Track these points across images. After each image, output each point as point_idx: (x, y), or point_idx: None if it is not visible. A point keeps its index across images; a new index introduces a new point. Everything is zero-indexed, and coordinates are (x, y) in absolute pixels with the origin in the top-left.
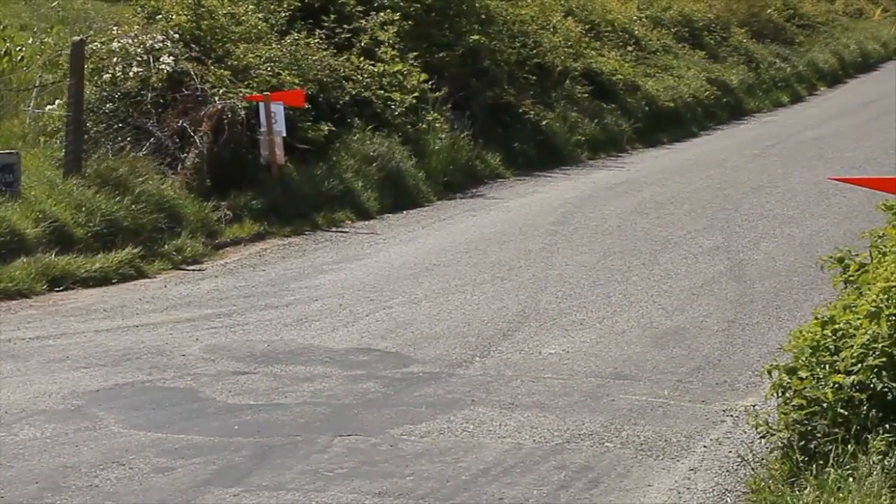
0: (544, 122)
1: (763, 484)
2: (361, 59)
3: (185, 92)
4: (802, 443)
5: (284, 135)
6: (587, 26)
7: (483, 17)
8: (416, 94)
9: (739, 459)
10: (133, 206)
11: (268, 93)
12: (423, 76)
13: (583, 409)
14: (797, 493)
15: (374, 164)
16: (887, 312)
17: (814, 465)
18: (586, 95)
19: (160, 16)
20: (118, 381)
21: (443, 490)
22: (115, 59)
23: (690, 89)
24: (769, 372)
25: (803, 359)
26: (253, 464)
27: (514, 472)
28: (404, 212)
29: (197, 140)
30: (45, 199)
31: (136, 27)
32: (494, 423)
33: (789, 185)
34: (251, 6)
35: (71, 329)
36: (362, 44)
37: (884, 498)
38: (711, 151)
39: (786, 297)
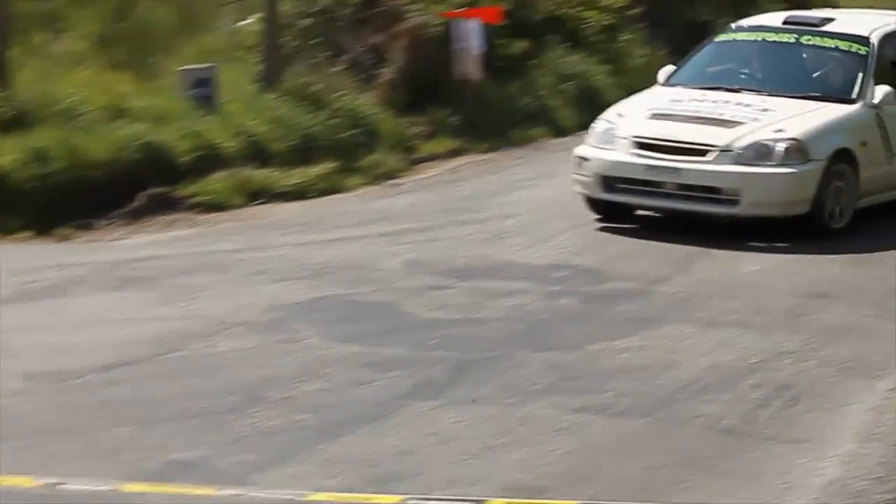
0: None
1: None
2: None
3: (381, 8)
4: None
5: (481, 51)
6: None
7: None
8: (612, 12)
9: None
10: (329, 122)
11: (464, 8)
12: None
13: (782, 327)
14: None
15: (571, 82)
16: None
17: None
18: None
19: None
20: (317, 294)
21: (640, 406)
22: None
23: None
24: None
25: None
26: (451, 378)
27: (712, 390)
28: None
29: (393, 56)
30: (243, 114)
31: None
32: (693, 340)
33: None
34: None
35: (269, 242)
36: None
37: None
38: None
39: None
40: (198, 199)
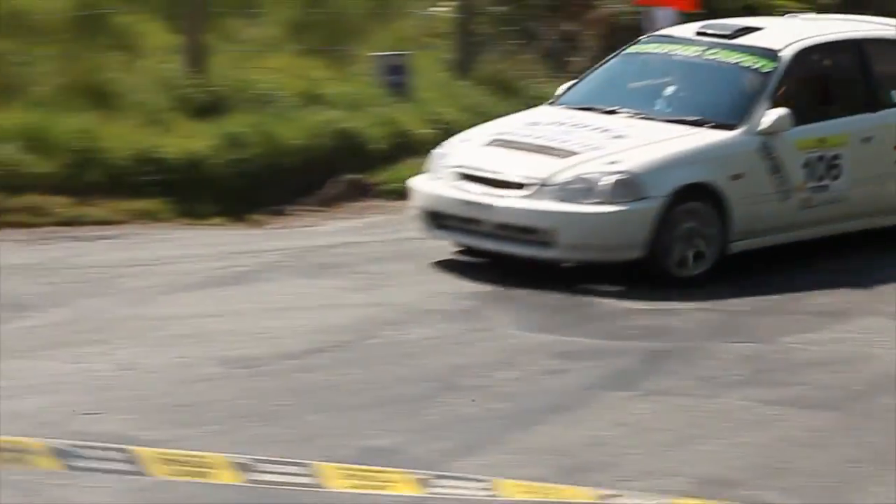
0: None
1: None
2: None
3: None
4: None
5: None
6: None
7: None
8: (808, 2)
9: None
10: (522, 110)
11: None
12: None
13: None
14: None
15: None
16: None
17: None
18: None
19: None
20: (508, 283)
21: (834, 400)
22: None
23: None
24: None
25: None
26: (643, 368)
27: None
28: None
29: (586, 44)
30: (436, 101)
31: None
32: (888, 334)
33: None
34: None
35: None
36: None
37: None
38: None
39: None
40: (390, 185)
